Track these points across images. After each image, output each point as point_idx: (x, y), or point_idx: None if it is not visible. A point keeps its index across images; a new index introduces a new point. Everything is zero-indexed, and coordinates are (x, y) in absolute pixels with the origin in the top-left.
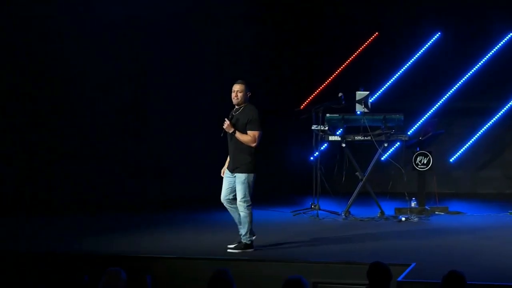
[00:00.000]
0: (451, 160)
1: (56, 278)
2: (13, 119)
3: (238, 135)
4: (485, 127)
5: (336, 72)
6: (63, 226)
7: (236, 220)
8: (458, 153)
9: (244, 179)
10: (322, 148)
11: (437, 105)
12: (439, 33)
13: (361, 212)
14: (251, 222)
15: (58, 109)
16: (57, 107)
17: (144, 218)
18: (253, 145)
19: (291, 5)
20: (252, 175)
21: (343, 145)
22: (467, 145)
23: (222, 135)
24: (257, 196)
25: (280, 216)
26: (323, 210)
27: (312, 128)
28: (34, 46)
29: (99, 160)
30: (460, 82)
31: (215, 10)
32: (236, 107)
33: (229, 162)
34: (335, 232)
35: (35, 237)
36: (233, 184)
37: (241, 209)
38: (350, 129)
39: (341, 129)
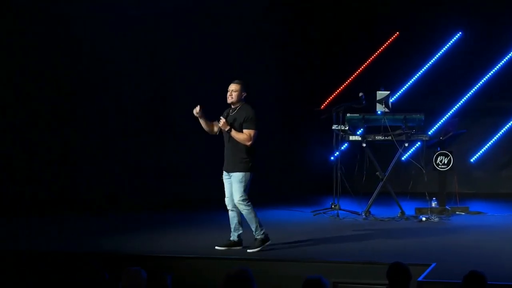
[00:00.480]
0: (471, 160)
1: (75, 277)
2: (13, 119)
3: (233, 133)
4: (506, 127)
5: (357, 72)
6: (81, 225)
7: (233, 225)
8: (479, 153)
9: (241, 178)
10: (342, 148)
11: (458, 105)
12: (460, 33)
13: (381, 212)
14: (256, 216)
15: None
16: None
17: (164, 217)
18: (249, 143)
19: (313, 4)
20: (248, 173)
21: (364, 145)
22: (488, 145)
23: (217, 133)
24: (278, 196)
25: (301, 216)
26: (344, 210)
27: (333, 128)
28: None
29: (119, 160)
30: (481, 82)
31: (238, 8)
32: (232, 106)
33: (225, 163)
34: (356, 232)
35: (55, 236)
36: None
37: (241, 208)
38: (371, 129)
39: (361, 129)
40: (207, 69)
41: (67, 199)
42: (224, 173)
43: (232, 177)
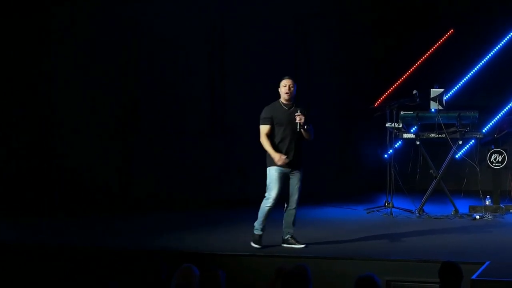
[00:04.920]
0: None
1: (131, 274)
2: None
3: (303, 131)
4: None
5: (411, 69)
6: (134, 223)
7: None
8: None
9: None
10: (396, 145)
11: None
12: None
13: (435, 210)
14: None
15: None
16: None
17: (217, 216)
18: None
19: (367, 1)
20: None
21: (417, 142)
22: None
23: (298, 129)
24: (332, 194)
25: (354, 214)
26: (397, 208)
27: (387, 125)
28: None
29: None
30: None
31: (295, 5)
32: (285, 103)
33: (288, 159)
34: (409, 230)
35: (116, 234)
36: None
37: (296, 205)
38: (425, 127)
39: (415, 127)
40: (263, 67)
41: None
42: (283, 169)
43: (296, 174)
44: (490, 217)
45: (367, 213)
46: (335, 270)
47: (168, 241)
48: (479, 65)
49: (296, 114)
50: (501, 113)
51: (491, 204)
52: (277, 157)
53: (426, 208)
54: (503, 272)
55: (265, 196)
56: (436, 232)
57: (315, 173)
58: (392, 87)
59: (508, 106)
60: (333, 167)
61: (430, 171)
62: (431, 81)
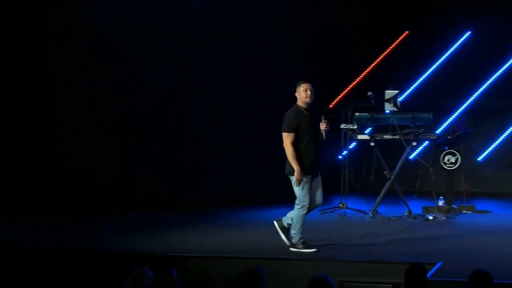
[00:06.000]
0: (479, 159)
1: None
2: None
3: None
4: None
5: (366, 71)
6: (89, 225)
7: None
8: (486, 152)
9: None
10: (350, 147)
11: (466, 104)
12: (469, 32)
13: (388, 211)
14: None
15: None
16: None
17: (180, 217)
18: None
19: (321, 4)
20: None
21: (372, 144)
22: (495, 143)
23: (325, 137)
24: (286, 195)
25: (308, 215)
26: (351, 209)
27: (341, 127)
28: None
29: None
30: (489, 81)
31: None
32: (305, 107)
33: (309, 166)
34: (362, 231)
35: (71, 236)
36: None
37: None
38: (379, 128)
39: (370, 128)
40: (219, 68)
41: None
42: (309, 175)
43: (319, 177)
44: (443, 218)
45: (321, 214)
46: (289, 271)
47: (125, 242)
48: (433, 67)
49: (322, 121)
50: (455, 115)
51: (444, 205)
52: (297, 174)
53: (380, 209)
54: (455, 272)
55: (297, 204)
56: (390, 233)
57: (271, 174)
58: (347, 88)
59: (462, 108)
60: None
61: (384, 172)
62: (386, 82)
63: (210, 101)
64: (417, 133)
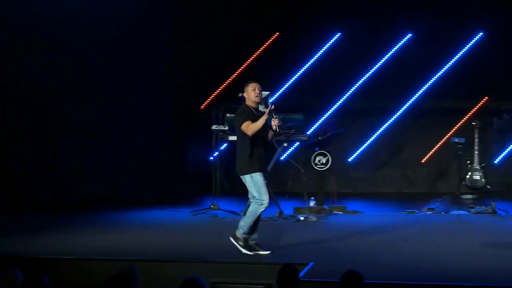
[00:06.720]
0: (349, 160)
1: None
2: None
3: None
4: (383, 127)
5: (237, 72)
6: None
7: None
8: (357, 153)
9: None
10: (222, 148)
11: (336, 105)
12: (339, 34)
13: None
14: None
15: None
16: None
17: (54, 219)
18: None
19: (195, 4)
20: None
21: None
22: (365, 144)
23: (278, 132)
24: (158, 197)
25: (180, 216)
26: (222, 210)
27: (212, 128)
28: None
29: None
30: (359, 83)
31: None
32: (254, 106)
33: (263, 164)
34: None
35: None
36: None
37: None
38: None
39: None
40: (88, 65)
41: None
42: (262, 174)
43: (267, 176)
44: (314, 219)
45: (193, 215)
46: (162, 272)
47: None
48: (304, 68)
49: (274, 117)
50: (325, 116)
51: (315, 206)
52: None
53: None
54: (327, 272)
55: (256, 202)
56: (261, 234)
57: (143, 175)
58: (218, 89)
59: (332, 109)
60: (161, 170)
61: None
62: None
63: (82, 102)
64: (287, 134)
